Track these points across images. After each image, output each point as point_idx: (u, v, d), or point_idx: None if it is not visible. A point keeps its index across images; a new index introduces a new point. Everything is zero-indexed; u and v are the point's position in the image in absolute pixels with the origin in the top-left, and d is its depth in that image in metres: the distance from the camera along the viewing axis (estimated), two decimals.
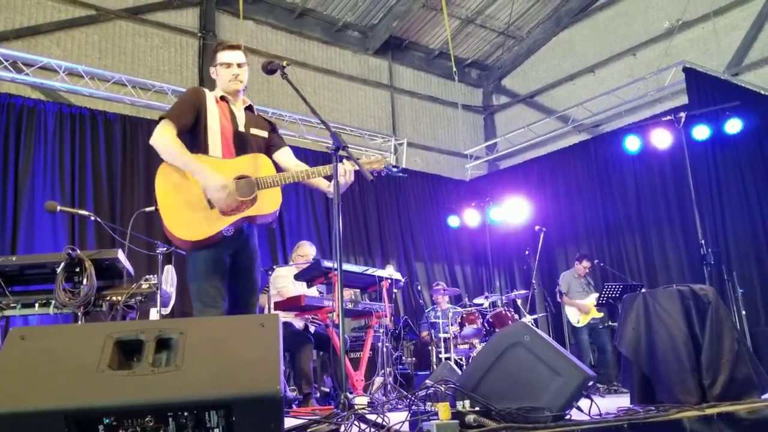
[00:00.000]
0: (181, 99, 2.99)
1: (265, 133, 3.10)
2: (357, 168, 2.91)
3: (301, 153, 8.90)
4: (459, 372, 5.13)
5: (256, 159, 2.89)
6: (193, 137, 2.89)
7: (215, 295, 2.76)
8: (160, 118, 2.84)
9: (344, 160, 2.88)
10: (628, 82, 9.53)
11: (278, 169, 3.04)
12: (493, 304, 7.91)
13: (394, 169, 2.97)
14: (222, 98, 3.01)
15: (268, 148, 3.10)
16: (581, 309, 7.49)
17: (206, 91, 3.00)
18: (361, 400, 4.04)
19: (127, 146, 7.39)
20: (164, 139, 2.77)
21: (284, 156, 3.12)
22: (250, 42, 9.45)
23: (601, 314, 7.50)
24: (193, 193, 2.74)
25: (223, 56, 3.01)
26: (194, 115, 2.88)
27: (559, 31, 11.28)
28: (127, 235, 3.70)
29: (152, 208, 2.80)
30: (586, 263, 7.77)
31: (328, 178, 2.95)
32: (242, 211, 2.76)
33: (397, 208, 9.99)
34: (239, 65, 3.01)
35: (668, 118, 5.66)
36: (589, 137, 10.16)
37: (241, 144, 2.95)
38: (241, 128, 2.99)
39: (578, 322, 7.53)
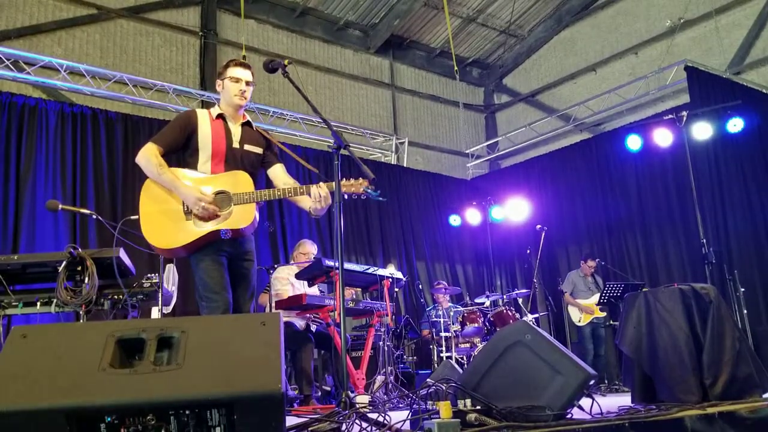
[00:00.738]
0: (170, 123, 3.16)
1: (259, 150, 3.22)
2: (333, 190, 2.94)
3: (302, 152, 8.90)
4: (460, 371, 5.13)
5: (236, 176, 3.03)
6: (185, 155, 3.11)
7: (218, 287, 2.92)
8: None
9: (321, 184, 2.97)
10: (629, 81, 9.52)
11: (268, 184, 3.24)
12: (494, 303, 7.92)
13: (374, 194, 3.00)
14: (219, 116, 3.15)
15: (262, 164, 3.25)
16: (582, 309, 7.54)
17: (200, 111, 3.16)
18: (362, 399, 4.04)
19: (129, 145, 7.38)
20: (145, 157, 3.01)
21: (275, 172, 3.27)
22: (251, 41, 9.46)
23: (604, 314, 7.50)
24: (172, 205, 2.97)
25: (233, 71, 3.15)
26: (184, 136, 3.07)
27: (561, 30, 11.27)
28: (116, 239, 3.74)
29: (137, 217, 3.04)
30: (590, 263, 7.82)
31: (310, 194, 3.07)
32: (217, 224, 2.93)
33: (398, 207, 9.98)
34: (247, 83, 3.15)
35: (670, 116, 5.64)
36: (591, 136, 10.16)
37: (234, 160, 3.10)
38: (236, 144, 3.13)
39: (579, 321, 7.57)
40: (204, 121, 3.11)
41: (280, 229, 8.36)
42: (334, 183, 2.92)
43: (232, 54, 8.83)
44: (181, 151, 3.12)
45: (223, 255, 3.00)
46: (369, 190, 3.00)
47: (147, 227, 2.95)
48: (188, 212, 2.94)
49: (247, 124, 3.23)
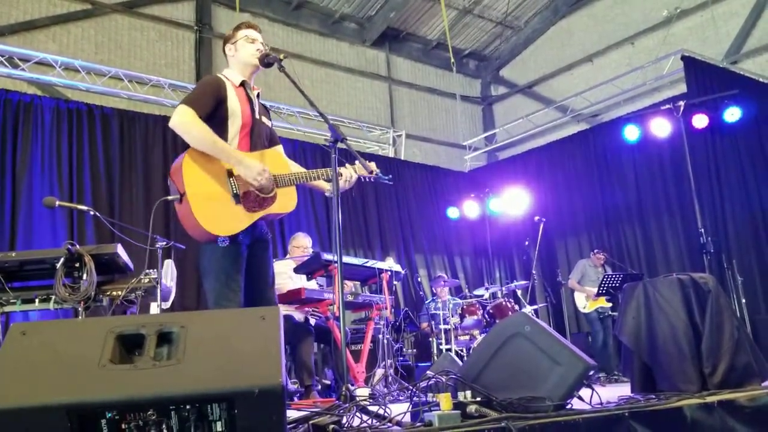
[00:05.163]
0: (200, 87, 2.85)
1: (270, 123, 3.08)
2: (359, 174, 3.01)
3: (299, 146, 8.89)
4: (460, 363, 5.14)
5: (271, 154, 2.88)
6: (213, 127, 2.76)
7: (235, 297, 2.71)
8: (180, 104, 2.74)
9: (347, 165, 2.95)
10: (626, 71, 9.51)
11: None
12: (494, 295, 7.92)
13: (384, 177, 3.05)
14: (240, 84, 2.93)
15: (271, 141, 3.07)
16: (589, 295, 7.57)
17: (223, 78, 2.90)
18: (362, 392, 4.05)
19: (125, 141, 7.37)
20: (192, 123, 2.66)
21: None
22: None
23: (610, 304, 7.53)
24: (221, 187, 2.69)
25: (248, 32, 2.96)
26: (215, 104, 2.77)
27: (557, 21, 11.24)
28: (150, 225, 3.49)
29: (175, 197, 2.70)
30: (598, 254, 7.89)
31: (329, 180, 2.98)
32: (264, 208, 2.76)
33: (396, 200, 9.97)
34: (263, 44, 2.98)
35: (667, 106, 5.67)
36: (588, 127, 10.15)
37: (257, 133, 2.91)
38: (257, 115, 2.94)
39: (584, 308, 7.62)
40: (230, 88, 2.85)
41: (277, 223, 8.35)
42: (361, 162, 2.94)
43: None
44: (206, 121, 2.74)
45: (246, 245, 2.80)
46: (379, 173, 3.01)
47: (201, 210, 2.61)
48: (237, 195, 2.70)
49: (257, 96, 3.03)
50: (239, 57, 2.94)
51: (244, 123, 2.84)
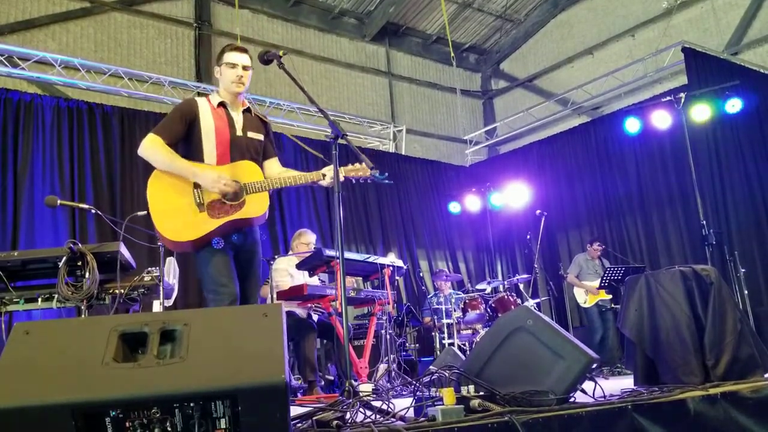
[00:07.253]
0: (170, 114, 3.07)
1: (261, 137, 3.19)
2: (349, 176, 3.12)
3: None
4: (463, 357, 5.14)
5: (243, 166, 3.01)
6: (188, 146, 3.01)
7: (224, 279, 2.90)
8: (149, 133, 2.98)
9: (341, 168, 3.06)
10: (627, 64, 9.49)
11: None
12: (496, 289, 7.94)
13: (380, 177, 3.11)
14: (220, 104, 3.09)
15: (262, 154, 3.21)
16: (589, 290, 7.56)
17: (200, 100, 3.09)
18: (365, 388, 4.05)
19: (126, 139, 7.37)
20: (152, 148, 2.90)
21: (271, 166, 3.24)
22: (246, 31, 9.40)
23: (610, 296, 7.52)
24: (184, 199, 2.89)
25: (229, 56, 3.07)
26: (185, 125, 2.98)
27: (557, 14, 11.21)
28: (120, 234, 3.74)
29: (145, 213, 2.97)
30: (595, 246, 7.83)
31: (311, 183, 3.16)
32: (230, 214, 2.90)
33: (397, 196, 9.97)
34: (244, 68, 3.08)
35: (668, 98, 5.63)
36: (589, 120, 10.13)
37: (239, 149, 3.05)
38: (239, 132, 3.08)
39: (585, 303, 7.60)
40: (205, 109, 3.05)
41: (279, 220, 8.35)
42: (343, 168, 3.06)
43: None
44: (183, 143, 3.02)
45: (229, 247, 2.97)
46: (375, 174, 3.08)
47: (162, 223, 2.87)
48: (201, 204, 2.90)
49: (247, 111, 3.19)
50: (222, 82, 3.12)
51: (220, 140, 3.01)
